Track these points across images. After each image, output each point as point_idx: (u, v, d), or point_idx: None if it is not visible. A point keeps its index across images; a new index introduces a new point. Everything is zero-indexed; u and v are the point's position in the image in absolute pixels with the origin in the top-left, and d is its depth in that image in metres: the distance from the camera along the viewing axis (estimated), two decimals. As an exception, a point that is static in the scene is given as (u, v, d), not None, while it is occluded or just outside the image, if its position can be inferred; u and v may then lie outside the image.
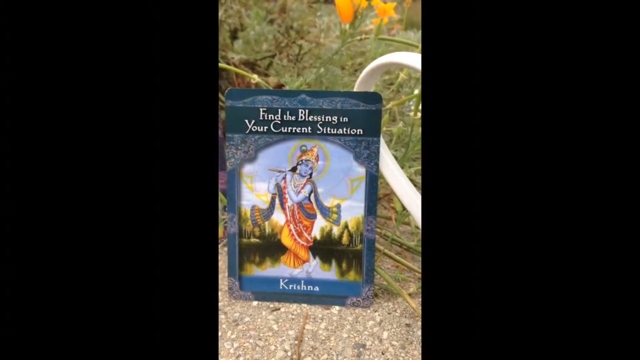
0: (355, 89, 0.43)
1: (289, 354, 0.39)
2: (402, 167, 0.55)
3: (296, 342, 0.40)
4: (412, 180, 0.51)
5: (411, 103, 0.66)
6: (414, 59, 0.36)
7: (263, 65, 0.82)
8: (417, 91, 0.60)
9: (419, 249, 0.52)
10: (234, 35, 0.75)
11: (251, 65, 0.80)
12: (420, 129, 0.52)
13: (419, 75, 0.36)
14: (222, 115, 0.64)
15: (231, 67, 0.53)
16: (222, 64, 0.53)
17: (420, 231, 0.42)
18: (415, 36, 1.05)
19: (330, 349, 0.40)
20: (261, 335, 0.41)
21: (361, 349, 0.40)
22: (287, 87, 0.54)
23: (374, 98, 0.42)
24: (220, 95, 0.68)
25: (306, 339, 0.41)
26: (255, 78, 0.50)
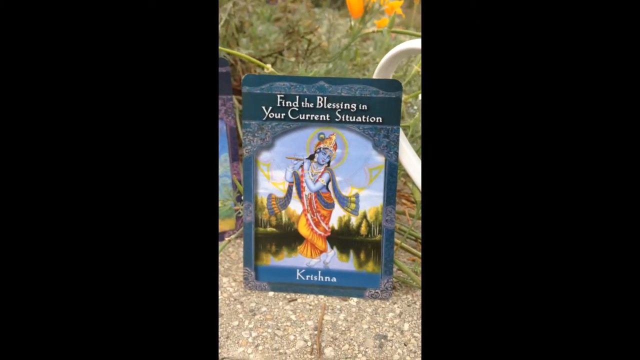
0: (374, 77, 0.43)
1: (309, 343, 0.38)
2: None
3: (316, 332, 0.39)
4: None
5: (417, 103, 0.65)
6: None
7: (270, 62, 0.82)
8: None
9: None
10: (240, 31, 0.74)
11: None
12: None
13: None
14: (236, 103, 0.63)
15: (242, 54, 0.52)
16: (232, 51, 0.52)
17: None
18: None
19: (351, 339, 0.39)
20: (279, 325, 0.40)
21: (383, 340, 0.39)
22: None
23: (393, 85, 0.42)
24: (233, 81, 0.67)
25: (325, 329, 0.40)
26: (268, 68, 0.49)
